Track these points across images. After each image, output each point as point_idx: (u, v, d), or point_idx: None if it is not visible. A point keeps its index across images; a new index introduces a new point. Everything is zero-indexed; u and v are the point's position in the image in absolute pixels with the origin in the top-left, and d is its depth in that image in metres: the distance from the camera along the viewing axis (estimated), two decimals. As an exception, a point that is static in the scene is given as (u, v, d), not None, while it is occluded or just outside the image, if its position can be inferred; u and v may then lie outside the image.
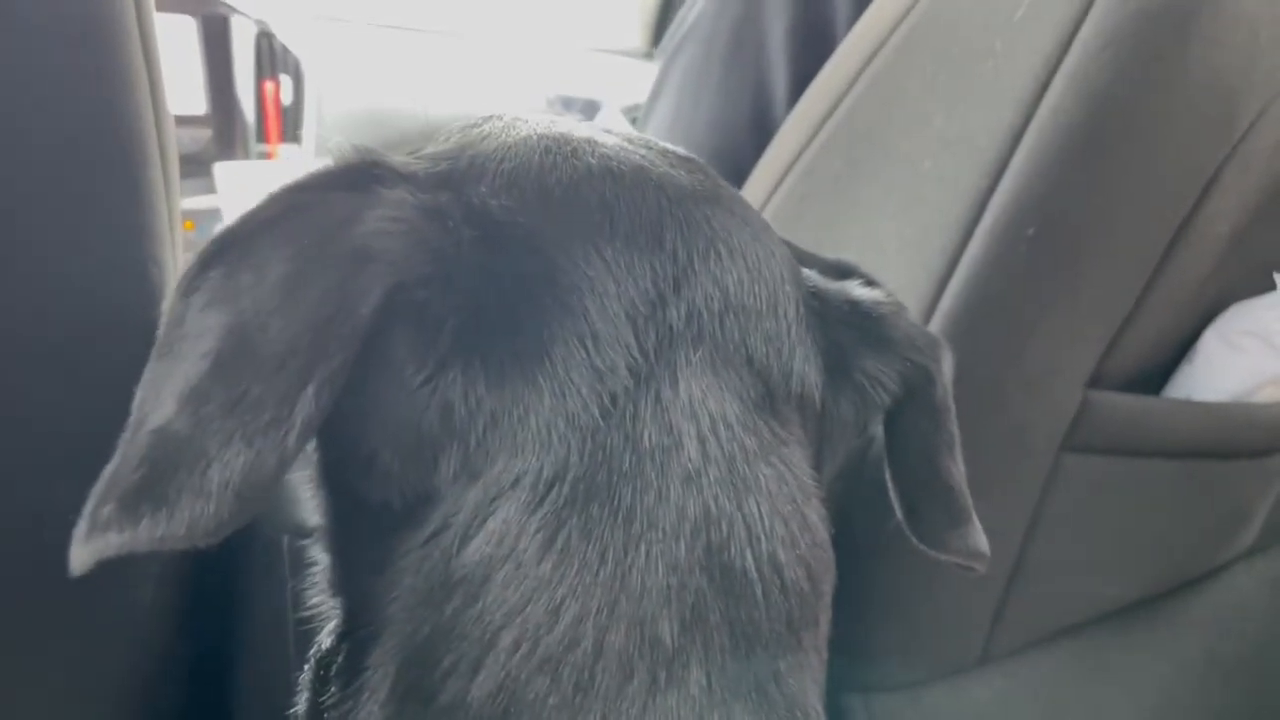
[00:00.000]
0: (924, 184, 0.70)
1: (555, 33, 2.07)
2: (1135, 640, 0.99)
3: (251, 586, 0.64)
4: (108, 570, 0.34)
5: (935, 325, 0.68)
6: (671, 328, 0.38)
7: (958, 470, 0.48)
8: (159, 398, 0.32)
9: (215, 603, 0.62)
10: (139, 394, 0.33)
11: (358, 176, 0.36)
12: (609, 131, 0.44)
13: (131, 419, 0.33)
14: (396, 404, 0.37)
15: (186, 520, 0.31)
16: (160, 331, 0.33)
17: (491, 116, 0.44)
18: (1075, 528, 0.84)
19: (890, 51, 0.73)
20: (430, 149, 0.42)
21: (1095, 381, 0.77)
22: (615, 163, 0.41)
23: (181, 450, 0.31)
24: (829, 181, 0.76)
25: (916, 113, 0.71)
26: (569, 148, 0.41)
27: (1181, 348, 0.86)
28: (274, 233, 0.34)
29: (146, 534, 0.31)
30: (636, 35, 2.11)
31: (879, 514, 0.51)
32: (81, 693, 0.55)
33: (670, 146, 0.45)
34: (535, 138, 0.41)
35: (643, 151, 0.43)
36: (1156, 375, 0.86)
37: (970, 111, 0.68)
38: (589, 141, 0.42)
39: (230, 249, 0.34)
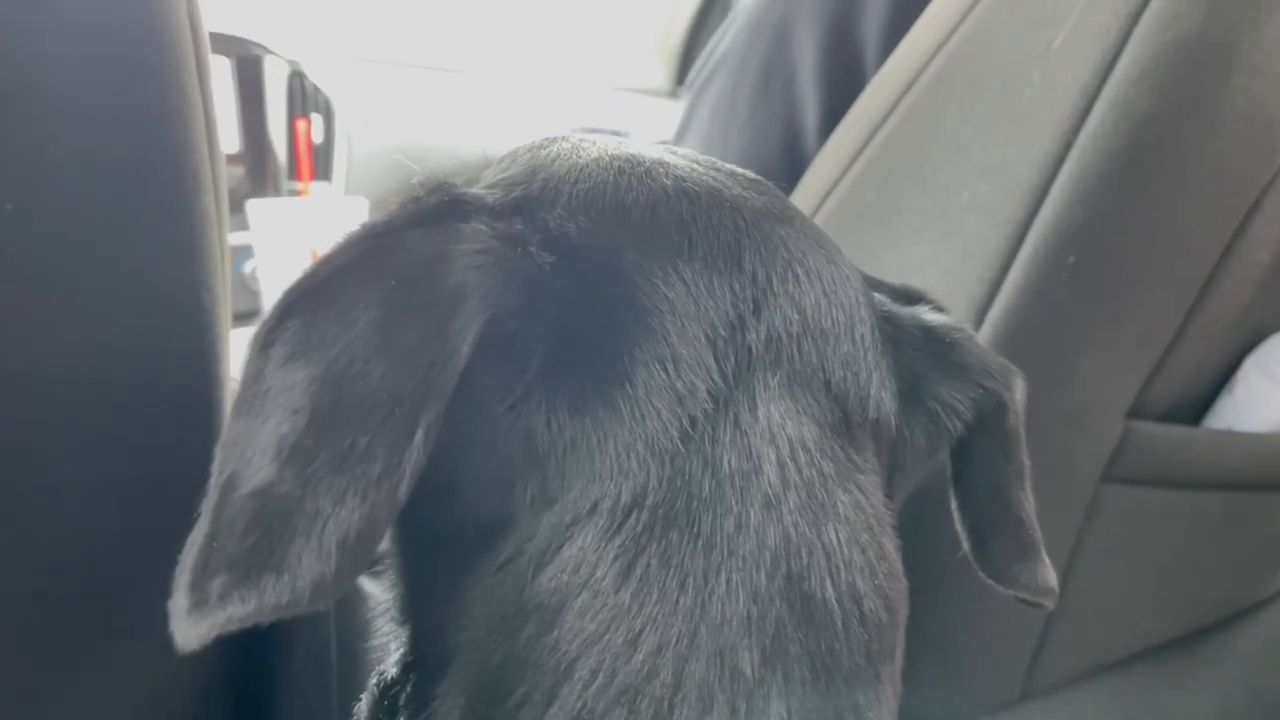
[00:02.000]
0: (962, 214, 0.70)
1: (579, 71, 2.09)
2: (1177, 677, 0.98)
3: (294, 618, 0.64)
4: (149, 599, 0.34)
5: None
6: (751, 350, 0.38)
7: (1028, 502, 0.46)
8: (247, 458, 0.31)
9: (257, 632, 0.61)
10: (220, 455, 0.32)
11: (431, 212, 0.35)
12: (676, 152, 0.44)
13: (217, 481, 0.31)
14: (479, 432, 0.36)
15: (310, 585, 0.30)
16: (238, 389, 0.32)
17: (558, 138, 0.44)
18: (1117, 560, 0.83)
19: (926, 83, 0.73)
20: (498, 174, 0.42)
21: (1136, 411, 0.77)
22: (689, 183, 0.40)
23: (294, 512, 0.30)
24: (865, 212, 0.77)
25: (954, 143, 0.71)
26: (642, 168, 0.40)
27: (1221, 377, 0.85)
28: (355, 277, 0.33)
29: (272, 602, 0.30)
30: (659, 74, 2.12)
31: (920, 542, 0.51)
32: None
33: (737, 169, 0.44)
34: (607, 158, 0.41)
35: (714, 173, 0.42)
36: (1196, 406, 0.85)
37: (1008, 141, 0.68)
38: (661, 162, 0.41)
39: (308, 298, 0.33)
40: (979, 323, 0.68)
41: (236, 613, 0.30)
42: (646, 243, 0.38)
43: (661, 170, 0.41)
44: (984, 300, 0.68)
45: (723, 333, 0.37)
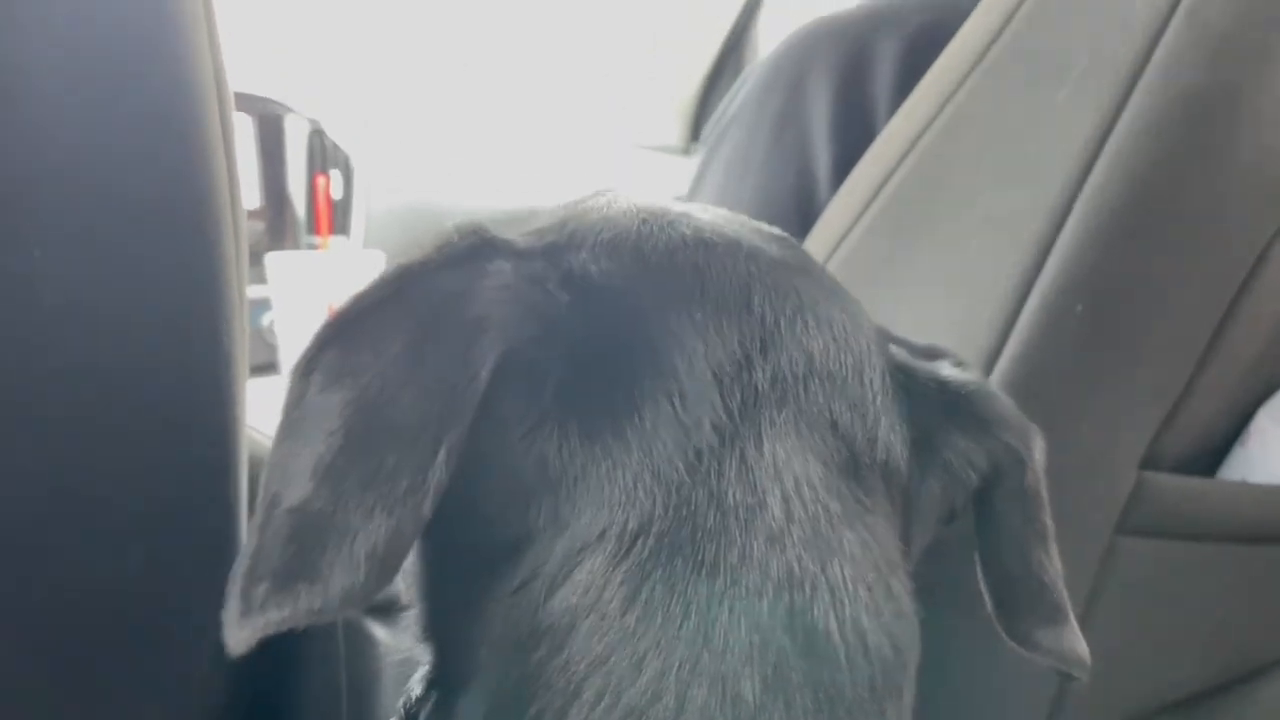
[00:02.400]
0: (971, 264, 0.71)
1: (595, 130, 2.12)
2: (1198, 735, 0.96)
3: (304, 648, 0.64)
4: (168, 637, 0.34)
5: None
6: (757, 389, 0.39)
7: (1051, 564, 0.47)
8: (288, 478, 0.34)
9: (268, 663, 0.62)
10: (266, 475, 0.35)
11: (461, 254, 0.38)
12: (706, 209, 0.46)
13: (262, 500, 0.34)
14: (498, 456, 0.38)
15: (340, 593, 0.33)
16: (281, 413, 0.35)
17: (596, 193, 0.47)
18: (1133, 614, 0.82)
19: (935, 134, 0.75)
20: (536, 224, 0.44)
21: (1148, 462, 0.77)
22: (709, 233, 0.43)
23: (326, 526, 0.33)
24: (875, 263, 0.77)
25: (963, 194, 0.72)
26: (666, 219, 0.43)
27: (1235, 428, 0.85)
28: (388, 311, 0.36)
29: (305, 607, 0.33)
30: (674, 132, 2.15)
31: (929, 593, 0.51)
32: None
33: (763, 225, 0.46)
34: (634, 210, 0.44)
35: (736, 226, 0.45)
36: (1210, 457, 0.85)
37: (1017, 191, 0.69)
38: (685, 215, 0.44)
39: (344, 329, 0.36)
40: (988, 372, 0.68)
41: (274, 617, 0.33)
42: (661, 285, 0.40)
43: (684, 222, 0.43)
44: (993, 349, 0.68)
45: (729, 370, 0.39)
